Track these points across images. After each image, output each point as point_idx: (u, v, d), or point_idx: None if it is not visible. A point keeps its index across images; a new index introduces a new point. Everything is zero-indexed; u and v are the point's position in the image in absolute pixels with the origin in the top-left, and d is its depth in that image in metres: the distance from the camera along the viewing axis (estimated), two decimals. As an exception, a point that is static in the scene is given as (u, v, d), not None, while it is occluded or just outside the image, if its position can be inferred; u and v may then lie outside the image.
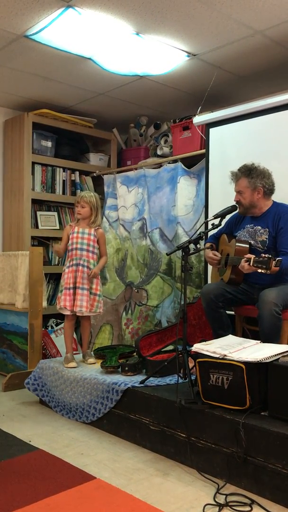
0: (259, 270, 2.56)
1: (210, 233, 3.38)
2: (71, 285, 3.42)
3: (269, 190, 3.01)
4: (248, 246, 2.93)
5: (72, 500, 2.06)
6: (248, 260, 2.63)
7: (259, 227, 3.01)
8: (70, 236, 3.51)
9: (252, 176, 2.95)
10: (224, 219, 3.11)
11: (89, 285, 3.45)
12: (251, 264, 2.59)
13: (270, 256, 2.53)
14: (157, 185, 4.38)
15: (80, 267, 3.44)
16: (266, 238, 2.96)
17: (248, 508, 2.00)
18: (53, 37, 3.23)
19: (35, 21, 3.03)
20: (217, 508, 2.00)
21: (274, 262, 2.52)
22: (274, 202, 3.05)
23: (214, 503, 2.04)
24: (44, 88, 4.18)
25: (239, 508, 2.00)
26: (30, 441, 2.73)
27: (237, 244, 2.96)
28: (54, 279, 4.73)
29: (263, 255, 2.57)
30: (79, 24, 3.04)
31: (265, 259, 2.53)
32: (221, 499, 2.07)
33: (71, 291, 3.41)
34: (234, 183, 3.06)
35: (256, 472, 2.12)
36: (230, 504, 2.03)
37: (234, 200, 3.04)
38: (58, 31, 3.15)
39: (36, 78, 3.95)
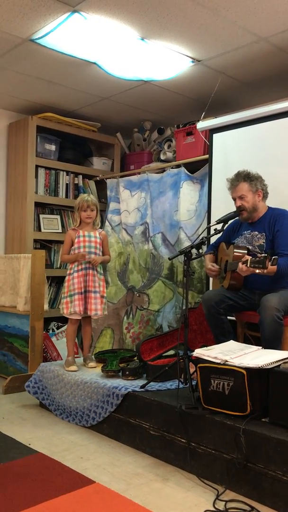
0: (257, 271, 2.57)
1: (211, 242, 3.40)
2: (82, 290, 3.42)
3: (266, 193, 3.08)
4: (246, 251, 2.94)
5: (71, 504, 2.06)
6: (245, 262, 2.65)
7: (256, 232, 3.03)
8: (76, 240, 3.50)
9: (251, 179, 3.01)
10: (226, 225, 3.12)
11: (99, 288, 3.47)
12: (248, 266, 2.60)
13: (266, 255, 2.55)
14: (160, 189, 4.39)
15: (90, 271, 3.45)
16: (264, 242, 2.98)
17: (247, 515, 2.00)
18: (59, 41, 3.24)
19: (40, 25, 3.04)
20: (216, 515, 1.99)
21: (270, 260, 2.53)
22: (269, 207, 3.09)
23: (214, 509, 2.03)
24: (48, 92, 4.20)
25: (239, 515, 2.00)
26: (29, 444, 2.72)
27: (235, 250, 2.97)
28: (56, 282, 4.73)
29: (259, 255, 2.60)
30: (84, 29, 3.06)
31: (261, 259, 2.55)
32: (220, 505, 2.06)
33: (82, 295, 3.42)
34: (232, 189, 3.07)
35: (256, 478, 2.11)
36: (230, 510, 2.02)
37: (236, 206, 3.05)
38: (64, 36, 3.16)
39: (41, 81, 3.97)
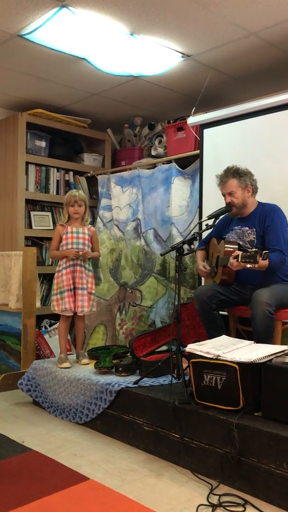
0: (248, 266, 2.58)
1: (203, 237, 3.40)
2: (71, 286, 3.41)
3: (256, 188, 3.08)
4: (236, 246, 2.95)
5: (65, 501, 2.06)
6: (236, 256, 2.65)
7: (247, 228, 3.04)
8: (64, 236, 3.49)
9: (241, 175, 3.01)
10: (218, 220, 3.12)
11: (87, 285, 3.46)
12: (239, 260, 2.61)
13: (256, 249, 2.55)
14: (152, 185, 4.38)
15: (78, 267, 3.44)
16: (254, 238, 2.99)
17: (241, 509, 2.01)
18: (47, 37, 3.22)
19: (29, 20, 3.02)
20: (210, 509, 2.00)
21: (260, 255, 2.54)
22: (259, 202, 3.09)
23: (208, 503, 2.04)
24: (38, 88, 4.17)
25: (233, 509, 2.01)
26: (23, 442, 2.72)
27: (226, 245, 2.98)
28: (48, 279, 4.71)
29: (250, 250, 2.60)
30: (73, 24, 3.04)
31: (252, 253, 2.55)
32: (214, 499, 2.07)
33: (72, 292, 3.41)
34: (221, 186, 3.07)
35: (249, 472, 2.12)
36: (224, 504, 2.03)
37: (226, 202, 3.05)
38: (52, 31, 3.14)
39: (30, 78, 3.94)
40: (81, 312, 3.46)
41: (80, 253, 3.42)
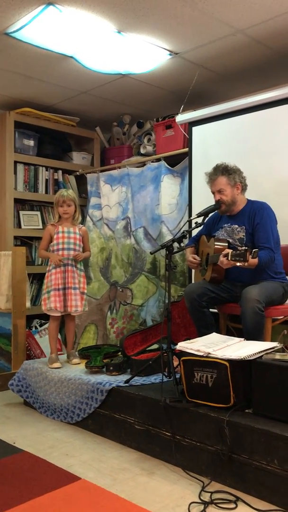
0: (238, 264, 2.58)
1: (193, 234, 3.40)
2: (61, 286, 3.40)
3: (245, 185, 3.08)
4: (226, 244, 2.96)
5: (57, 501, 2.05)
6: (226, 255, 2.66)
7: (236, 226, 3.04)
8: (55, 236, 3.47)
9: (230, 173, 3.01)
10: (207, 218, 3.12)
11: (79, 284, 3.45)
12: (229, 259, 2.62)
13: (246, 248, 2.56)
14: (141, 184, 4.38)
15: (69, 267, 3.43)
16: (243, 236, 2.99)
17: (233, 505, 2.01)
18: (34, 35, 3.20)
19: (15, 18, 2.99)
20: (202, 506, 2.00)
21: (250, 253, 2.54)
22: (249, 200, 3.10)
23: (199, 501, 2.05)
24: (26, 87, 4.14)
25: (224, 506, 2.01)
26: (14, 443, 2.70)
27: (216, 243, 2.99)
28: (38, 279, 4.69)
29: (240, 248, 2.61)
30: (60, 22, 3.02)
31: (242, 252, 2.56)
32: (206, 497, 2.08)
33: (61, 291, 3.39)
34: (210, 183, 3.07)
35: (240, 469, 2.13)
36: (215, 501, 2.04)
37: (215, 200, 3.06)
38: (39, 29, 3.12)
39: (18, 76, 3.92)
40: (75, 312, 3.45)
41: (71, 256, 3.42)
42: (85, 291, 3.52)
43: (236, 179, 3.01)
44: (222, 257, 2.71)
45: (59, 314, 3.44)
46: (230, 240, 3.02)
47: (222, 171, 3.02)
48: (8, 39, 3.26)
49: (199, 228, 3.22)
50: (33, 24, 3.06)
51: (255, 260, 2.70)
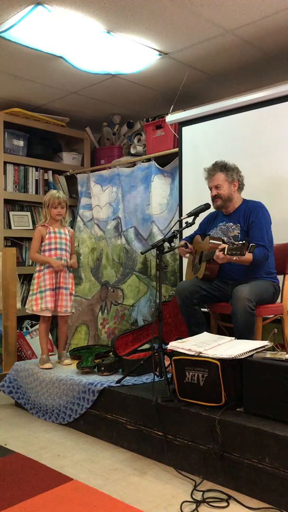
0: (234, 258, 2.60)
1: (185, 235, 3.41)
2: (54, 286, 3.39)
3: (242, 184, 3.12)
4: (221, 242, 2.97)
5: (49, 503, 2.04)
6: (223, 249, 2.67)
7: (231, 223, 3.07)
8: (47, 236, 3.45)
9: (228, 170, 3.05)
10: (197, 217, 3.13)
11: (69, 285, 3.45)
12: (225, 253, 2.63)
13: (244, 242, 2.57)
14: (131, 184, 4.38)
15: (61, 267, 3.42)
16: (238, 233, 3.02)
17: (225, 504, 2.02)
18: (23, 35, 3.18)
19: (4, 18, 2.98)
20: (194, 505, 2.01)
21: (247, 247, 2.56)
22: (244, 199, 3.13)
23: (192, 500, 2.05)
24: (15, 87, 4.13)
25: (216, 504, 2.02)
26: (5, 444, 2.69)
27: (210, 241, 3.00)
28: (28, 279, 4.67)
29: (236, 242, 2.62)
30: (49, 21, 3.01)
31: (239, 245, 2.58)
32: (198, 496, 2.08)
33: (53, 291, 3.38)
34: (208, 179, 3.10)
35: (232, 467, 2.14)
36: (207, 500, 2.04)
37: (212, 195, 3.08)
38: (28, 29, 3.10)
39: (7, 76, 3.90)
40: (64, 312, 3.44)
41: (63, 257, 3.43)
42: (74, 292, 3.52)
43: (234, 176, 3.05)
44: (218, 252, 2.73)
45: (51, 314, 3.43)
46: (225, 238, 3.04)
47: (220, 167, 3.06)
48: (-3, 39, 3.24)
49: (190, 228, 3.23)
50: (22, 24, 3.04)
51: (250, 256, 2.72)
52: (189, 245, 3.22)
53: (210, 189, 3.10)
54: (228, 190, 3.05)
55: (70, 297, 3.46)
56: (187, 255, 3.27)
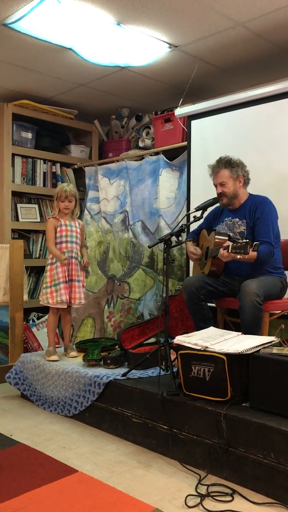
0: (238, 256, 2.58)
1: (191, 229, 3.40)
2: (68, 278, 3.40)
3: (248, 179, 3.08)
4: (227, 238, 2.96)
5: (54, 494, 2.06)
6: (227, 247, 2.66)
7: (237, 219, 3.04)
8: (59, 229, 3.44)
9: (232, 166, 3.01)
10: (206, 212, 3.12)
11: (81, 277, 3.47)
12: (229, 251, 2.61)
13: (247, 240, 2.56)
14: (139, 177, 4.36)
15: (73, 260, 3.43)
16: (244, 229, 3.00)
17: (229, 498, 2.02)
18: (33, 26, 3.17)
19: (14, 9, 2.97)
20: (198, 499, 2.01)
21: (251, 246, 2.54)
22: (250, 194, 3.10)
23: (196, 494, 2.06)
24: (24, 79, 4.12)
25: (221, 498, 2.02)
26: (11, 435, 2.71)
27: (216, 236, 2.98)
28: (35, 272, 4.69)
29: (240, 240, 2.61)
30: (59, 13, 2.99)
31: (243, 244, 2.56)
32: (202, 490, 2.09)
33: (67, 284, 3.40)
34: (213, 176, 3.07)
35: (237, 462, 2.14)
36: (212, 494, 2.05)
37: (217, 192, 3.06)
38: (38, 20, 3.09)
39: (16, 68, 3.89)
40: (78, 304, 3.48)
41: (74, 249, 3.45)
42: (85, 284, 3.54)
43: (239, 172, 3.01)
44: (223, 250, 2.71)
45: (65, 306, 3.44)
46: (231, 234, 3.02)
47: (225, 164, 3.02)
48: (6, 30, 3.23)
49: (198, 222, 3.22)
50: (31, 15, 3.03)
51: (254, 254, 2.70)
52: (195, 249, 3.20)
53: (215, 186, 3.08)
54: (233, 187, 3.02)
55: (83, 289, 3.49)
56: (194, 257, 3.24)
